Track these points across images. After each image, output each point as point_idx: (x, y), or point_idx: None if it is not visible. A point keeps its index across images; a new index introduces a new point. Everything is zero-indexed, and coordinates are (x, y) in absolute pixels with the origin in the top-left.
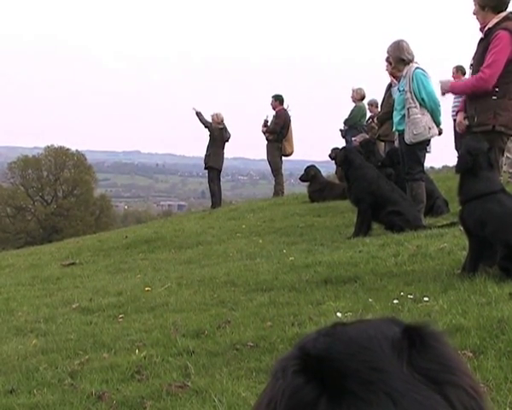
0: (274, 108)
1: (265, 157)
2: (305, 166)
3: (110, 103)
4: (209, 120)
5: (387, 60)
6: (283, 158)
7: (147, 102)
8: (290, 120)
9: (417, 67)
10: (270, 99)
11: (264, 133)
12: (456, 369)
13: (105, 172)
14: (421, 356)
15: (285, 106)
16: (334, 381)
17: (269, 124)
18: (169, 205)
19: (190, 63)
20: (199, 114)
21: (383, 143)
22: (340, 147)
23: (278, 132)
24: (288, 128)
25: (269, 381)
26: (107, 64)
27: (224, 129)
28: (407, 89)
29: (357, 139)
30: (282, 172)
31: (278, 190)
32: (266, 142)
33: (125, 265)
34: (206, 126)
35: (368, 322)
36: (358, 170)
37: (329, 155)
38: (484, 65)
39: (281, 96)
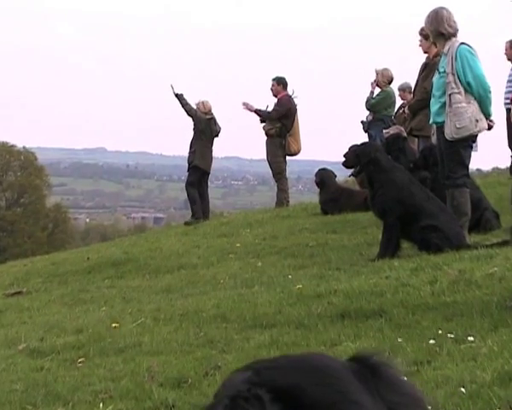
0: (275, 95)
1: (265, 157)
2: (315, 169)
3: (67, 90)
4: (194, 107)
5: (422, 33)
6: (288, 158)
7: (114, 86)
8: (296, 110)
9: (462, 43)
10: (271, 83)
11: (258, 114)
12: (419, 401)
13: (61, 176)
14: (387, 389)
15: (289, 91)
16: None
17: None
18: (143, 217)
19: (171, 34)
20: (179, 97)
21: (416, 139)
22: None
23: (280, 126)
24: (294, 120)
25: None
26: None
27: (213, 121)
28: (449, 70)
29: (390, 132)
30: (287, 175)
31: (282, 198)
32: (266, 137)
33: (87, 294)
34: (189, 114)
35: (305, 354)
36: (385, 173)
37: (345, 155)
38: None
39: (284, 79)
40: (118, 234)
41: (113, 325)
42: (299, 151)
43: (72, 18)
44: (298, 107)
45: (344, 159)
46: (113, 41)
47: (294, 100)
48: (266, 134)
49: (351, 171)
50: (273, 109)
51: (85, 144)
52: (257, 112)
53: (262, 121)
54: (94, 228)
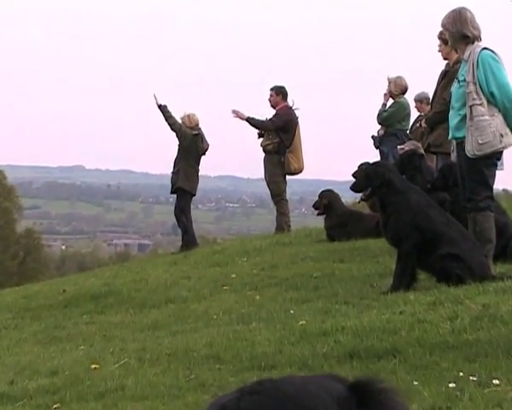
0: (274, 106)
1: (263, 176)
2: (320, 190)
3: (40, 101)
4: (178, 120)
5: (441, 37)
6: (288, 177)
7: (93, 98)
8: (297, 124)
9: (484, 48)
10: (269, 93)
11: (251, 124)
12: None
13: (33, 197)
14: None
15: (289, 102)
16: None
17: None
18: (125, 244)
19: (156, 47)
20: (163, 109)
21: (435, 157)
22: (372, 162)
23: (278, 141)
24: (294, 134)
25: None
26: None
27: (200, 137)
28: (469, 79)
29: (404, 148)
30: (288, 196)
31: (282, 222)
32: (264, 154)
33: (63, 331)
34: (173, 129)
35: (304, 378)
36: (399, 195)
37: (353, 175)
38: None
39: (283, 89)
40: (97, 263)
41: (93, 366)
42: (300, 170)
43: (44, 20)
44: (299, 119)
45: (353, 179)
46: (91, 47)
47: (295, 112)
48: (264, 150)
49: (360, 194)
50: (269, 119)
51: (61, 162)
52: (249, 121)
53: (259, 136)
54: (70, 256)
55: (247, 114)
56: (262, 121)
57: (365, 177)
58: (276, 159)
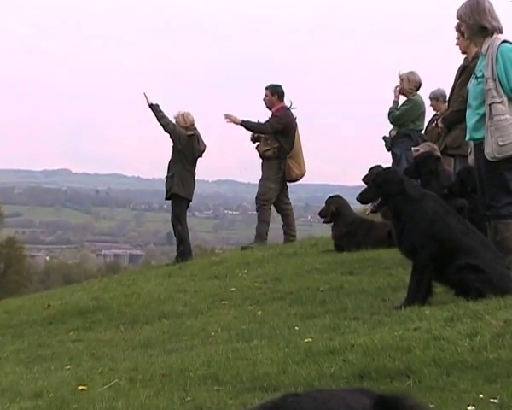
0: (269, 107)
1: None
2: (327, 196)
3: (22, 100)
4: (172, 120)
5: (460, 29)
6: (289, 184)
7: (79, 96)
8: (296, 125)
9: (504, 41)
10: (264, 92)
11: (247, 128)
12: None
13: (15, 204)
14: None
15: (287, 103)
16: None
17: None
18: (116, 255)
19: (148, 45)
20: (154, 108)
21: (452, 159)
22: (381, 169)
23: (278, 146)
24: (294, 137)
25: None
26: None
27: (196, 138)
28: (488, 75)
29: (419, 150)
30: (293, 202)
31: (262, 231)
32: (261, 160)
33: (47, 350)
34: (166, 130)
35: (330, 392)
36: (413, 204)
37: (364, 179)
38: None
39: (279, 88)
40: (85, 275)
41: (80, 387)
42: (302, 175)
43: (28, 16)
44: (298, 121)
45: (363, 184)
46: (79, 46)
47: (293, 112)
48: (261, 156)
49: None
50: (266, 121)
51: (45, 165)
52: (244, 124)
53: (255, 141)
54: (56, 268)
55: (241, 118)
56: (259, 124)
57: (375, 186)
58: (275, 165)
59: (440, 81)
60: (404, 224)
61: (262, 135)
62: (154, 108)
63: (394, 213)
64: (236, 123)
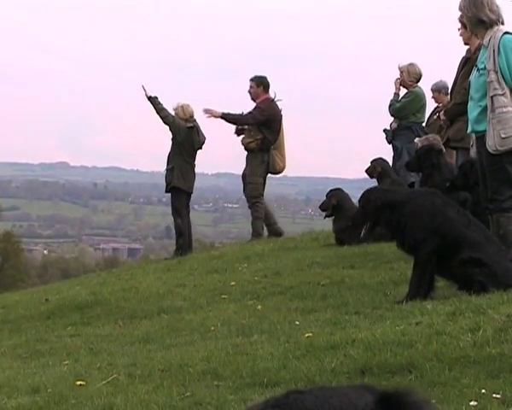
0: (255, 99)
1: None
2: (328, 189)
3: (20, 93)
4: (171, 112)
5: (462, 20)
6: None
7: (77, 88)
8: (281, 118)
9: (506, 33)
10: (249, 84)
11: (229, 121)
12: None
13: (12, 197)
14: None
15: (271, 95)
16: None
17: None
18: (114, 249)
19: (145, 35)
20: (153, 100)
21: (454, 152)
22: (383, 158)
23: (262, 137)
24: (279, 129)
25: None
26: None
27: (196, 130)
28: (490, 66)
29: (421, 142)
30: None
31: (258, 227)
32: (246, 152)
33: (45, 345)
34: (165, 122)
35: (332, 389)
36: (406, 205)
37: (367, 171)
38: None
39: (265, 79)
40: (83, 270)
41: (78, 382)
42: (284, 168)
43: (27, 6)
44: (283, 113)
45: (366, 176)
46: (76, 36)
47: (278, 104)
48: (246, 149)
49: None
50: (249, 113)
51: (43, 158)
52: (225, 117)
53: (238, 133)
54: (53, 262)
55: (221, 111)
56: (241, 116)
57: (360, 208)
58: (259, 157)
59: (442, 73)
60: (403, 226)
61: (246, 127)
62: (153, 100)
63: (391, 226)
64: (216, 116)
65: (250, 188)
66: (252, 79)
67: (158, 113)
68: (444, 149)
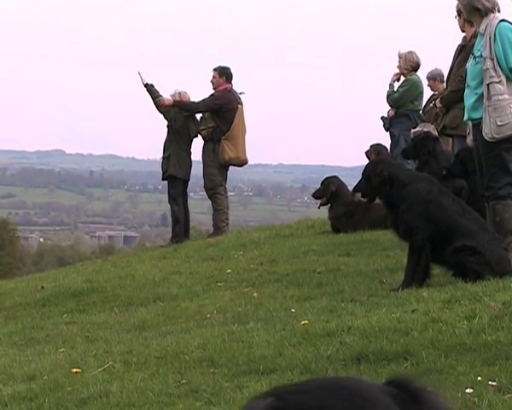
0: (215, 88)
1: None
2: (324, 177)
3: (15, 79)
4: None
5: (458, 8)
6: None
7: (72, 73)
8: (237, 108)
9: (502, 20)
10: (212, 73)
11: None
12: None
13: (8, 185)
14: None
15: (237, 90)
16: None
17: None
18: (110, 237)
19: (142, 21)
20: (149, 88)
21: (450, 139)
22: (382, 144)
23: (214, 126)
24: (233, 120)
25: None
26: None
27: (192, 118)
28: (486, 54)
29: (418, 130)
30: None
31: (218, 221)
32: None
33: (41, 332)
34: (161, 111)
35: (332, 378)
36: (404, 187)
37: (366, 153)
38: None
39: (227, 70)
40: (79, 257)
41: (74, 370)
42: (239, 160)
43: None
44: (243, 102)
45: (354, 186)
46: (71, 21)
47: (239, 95)
48: (203, 137)
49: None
50: (202, 100)
51: (39, 146)
52: (177, 104)
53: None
54: (49, 250)
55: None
56: (193, 103)
57: (364, 179)
58: (210, 147)
59: (438, 61)
60: (397, 209)
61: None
62: (149, 87)
63: (386, 201)
64: (167, 105)
65: (206, 182)
66: (215, 69)
67: (154, 100)
68: (440, 137)
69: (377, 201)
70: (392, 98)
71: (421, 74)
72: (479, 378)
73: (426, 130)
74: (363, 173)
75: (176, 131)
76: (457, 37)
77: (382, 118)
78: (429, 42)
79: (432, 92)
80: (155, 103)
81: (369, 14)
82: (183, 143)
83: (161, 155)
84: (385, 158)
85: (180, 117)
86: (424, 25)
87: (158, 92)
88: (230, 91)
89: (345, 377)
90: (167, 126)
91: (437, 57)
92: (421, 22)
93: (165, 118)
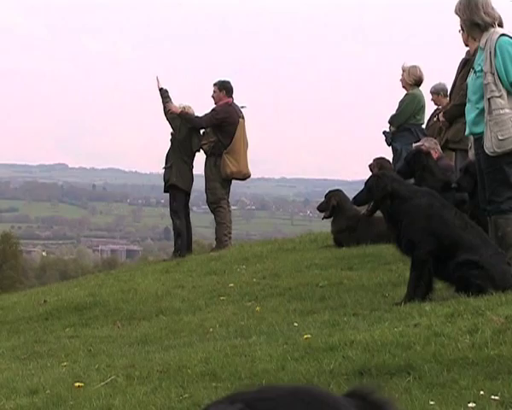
0: (216, 102)
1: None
2: (327, 190)
3: (19, 94)
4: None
5: (461, 22)
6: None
7: (76, 89)
8: (239, 122)
9: (503, 34)
10: (212, 89)
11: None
12: None
13: (11, 198)
14: None
15: (236, 100)
16: None
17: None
18: (112, 250)
19: (144, 36)
20: (163, 93)
21: (453, 153)
22: (386, 158)
23: (215, 140)
24: (234, 133)
25: None
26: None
27: (195, 131)
28: (487, 69)
29: (424, 144)
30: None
31: (221, 235)
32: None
33: (43, 346)
34: (168, 118)
35: (294, 385)
36: (406, 202)
37: (370, 167)
38: None
39: (227, 84)
40: (81, 271)
41: (77, 384)
42: (241, 174)
43: (23, 8)
44: (244, 117)
45: (355, 196)
46: (75, 36)
47: (241, 109)
48: (205, 152)
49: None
50: (204, 115)
51: (42, 160)
52: (182, 117)
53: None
54: (52, 264)
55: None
56: (195, 117)
57: (366, 190)
58: (212, 161)
59: (441, 76)
60: (400, 224)
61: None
62: (163, 92)
63: (388, 216)
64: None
65: (208, 194)
66: (215, 84)
67: (164, 105)
68: (431, 151)
69: (379, 214)
70: (395, 122)
71: (425, 89)
72: (481, 393)
73: (416, 145)
74: (365, 184)
75: (179, 141)
76: (461, 50)
77: (384, 132)
78: (433, 56)
79: (435, 106)
80: (164, 108)
81: (374, 29)
82: (186, 155)
83: (163, 166)
84: (388, 172)
85: (184, 128)
86: (428, 39)
87: (170, 99)
88: (231, 105)
89: (305, 386)
90: (171, 137)
91: (441, 72)
92: (424, 38)
93: (171, 126)
